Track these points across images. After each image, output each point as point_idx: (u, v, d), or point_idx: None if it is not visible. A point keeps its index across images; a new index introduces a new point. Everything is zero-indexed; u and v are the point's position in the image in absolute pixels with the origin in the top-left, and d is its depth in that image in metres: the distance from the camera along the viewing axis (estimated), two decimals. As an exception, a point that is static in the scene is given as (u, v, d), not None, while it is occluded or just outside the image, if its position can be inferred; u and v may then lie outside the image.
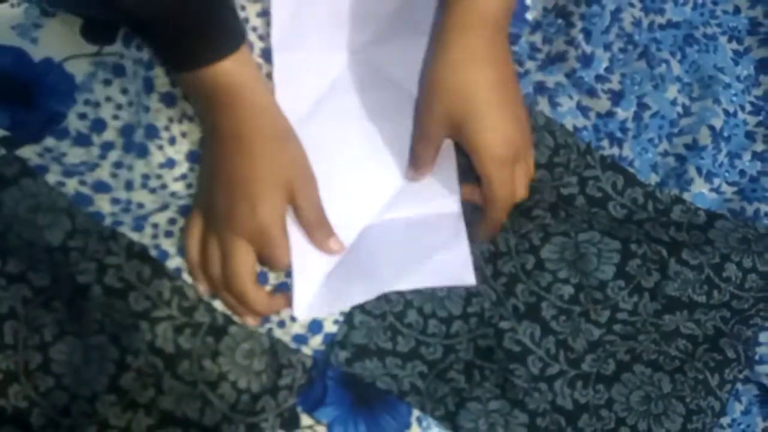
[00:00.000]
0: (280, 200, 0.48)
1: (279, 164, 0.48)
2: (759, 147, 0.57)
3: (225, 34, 0.46)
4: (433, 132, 0.50)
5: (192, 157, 0.51)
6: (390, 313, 0.51)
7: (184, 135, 0.50)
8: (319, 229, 0.50)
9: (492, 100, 0.48)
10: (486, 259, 0.52)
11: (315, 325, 0.51)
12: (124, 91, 0.51)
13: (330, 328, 0.51)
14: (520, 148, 0.50)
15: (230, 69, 0.46)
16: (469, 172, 0.51)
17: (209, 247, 0.48)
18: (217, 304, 0.49)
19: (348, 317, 0.51)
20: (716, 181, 0.56)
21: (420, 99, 0.52)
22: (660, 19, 0.58)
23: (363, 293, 0.50)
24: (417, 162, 0.52)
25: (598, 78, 0.56)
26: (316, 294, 0.50)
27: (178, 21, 0.43)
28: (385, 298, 0.51)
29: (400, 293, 0.51)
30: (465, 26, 0.48)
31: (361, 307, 0.51)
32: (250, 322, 0.49)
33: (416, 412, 0.50)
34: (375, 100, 0.54)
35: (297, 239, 0.50)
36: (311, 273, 0.50)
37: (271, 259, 0.48)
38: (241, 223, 0.47)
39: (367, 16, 0.54)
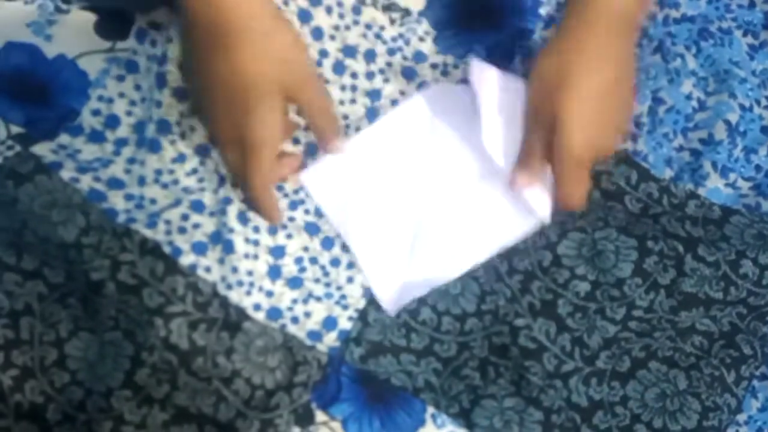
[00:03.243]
0: (274, 103, 0.43)
1: (268, 59, 0.43)
2: (775, 142, 0.57)
3: None
4: (531, 128, 0.48)
5: (201, 151, 0.50)
6: (404, 310, 0.51)
7: (192, 129, 0.50)
8: (329, 129, 0.47)
9: (587, 99, 0.45)
10: (501, 255, 0.52)
11: (329, 322, 0.51)
12: (137, 87, 0.51)
13: (344, 324, 0.51)
14: (601, 155, 0.48)
15: None
16: None
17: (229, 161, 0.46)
18: (232, 298, 0.49)
19: (362, 314, 0.51)
20: (732, 177, 0.56)
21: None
22: (675, 13, 0.58)
23: (447, 273, 0.51)
24: (521, 166, 0.49)
25: (613, 73, 0.56)
26: (400, 288, 0.51)
27: None
28: (398, 294, 0.51)
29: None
30: (580, 20, 0.46)
31: (375, 305, 0.51)
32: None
33: (431, 409, 0.50)
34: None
35: (361, 234, 0.50)
36: (387, 267, 0.51)
37: (252, 181, 0.45)
38: (225, 133, 0.43)
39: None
